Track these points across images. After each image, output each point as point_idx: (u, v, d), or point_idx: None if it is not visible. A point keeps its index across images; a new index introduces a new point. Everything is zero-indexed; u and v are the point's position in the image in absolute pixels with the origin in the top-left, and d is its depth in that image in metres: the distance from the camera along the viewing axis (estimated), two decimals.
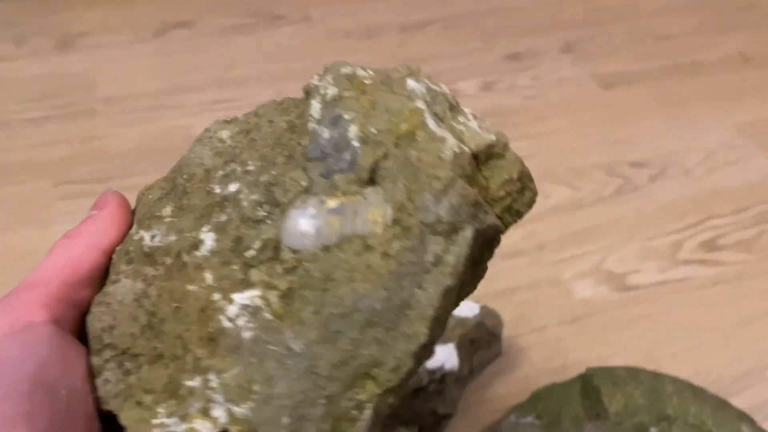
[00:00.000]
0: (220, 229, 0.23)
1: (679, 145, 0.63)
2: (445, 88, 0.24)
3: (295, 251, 0.22)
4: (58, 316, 0.22)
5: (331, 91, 0.23)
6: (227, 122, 0.25)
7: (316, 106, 0.23)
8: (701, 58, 0.75)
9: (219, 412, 0.21)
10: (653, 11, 0.82)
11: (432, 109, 0.23)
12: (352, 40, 0.77)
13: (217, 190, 0.23)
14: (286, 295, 0.21)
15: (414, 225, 0.21)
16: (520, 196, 0.23)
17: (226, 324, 0.22)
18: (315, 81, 0.24)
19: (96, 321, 0.23)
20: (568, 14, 0.82)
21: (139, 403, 0.22)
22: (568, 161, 0.61)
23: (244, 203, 0.23)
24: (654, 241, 0.53)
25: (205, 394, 0.21)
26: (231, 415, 0.21)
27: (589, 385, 0.40)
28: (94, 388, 0.23)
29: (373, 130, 0.22)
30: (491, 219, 0.22)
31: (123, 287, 0.23)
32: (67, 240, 0.24)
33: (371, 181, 0.22)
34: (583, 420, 0.38)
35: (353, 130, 0.22)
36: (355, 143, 0.22)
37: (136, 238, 0.24)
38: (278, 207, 0.22)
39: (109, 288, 0.24)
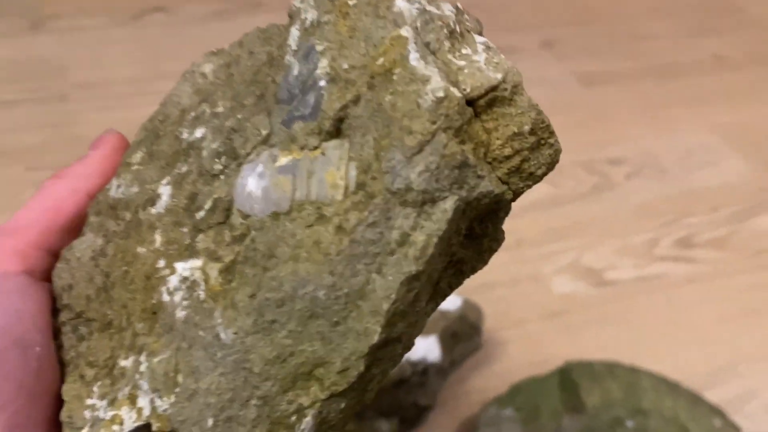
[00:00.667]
0: (177, 183, 0.20)
1: (656, 144, 0.64)
2: (447, 10, 0.19)
3: (245, 216, 0.18)
4: (34, 265, 0.21)
5: (311, 15, 0.19)
6: (213, 54, 0.21)
7: (294, 34, 0.19)
8: (679, 60, 0.76)
9: (144, 402, 0.19)
10: (633, 12, 0.83)
11: (422, 37, 0.18)
12: None
13: (185, 135, 0.20)
14: (228, 270, 0.18)
15: (378, 192, 0.17)
16: (534, 153, 0.18)
17: (165, 298, 0.19)
18: (297, 2, 0.19)
19: (57, 278, 0.21)
20: (550, 11, 0.82)
21: (82, 377, 0.20)
22: None
23: (204, 153, 0.20)
24: (631, 238, 0.54)
25: (134, 378, 0.19)
26: (153, 408, 0.18)
27: (568, 379, 0.40)
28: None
29: (344, 65, 0.18)
30: (486, 185, 0.17)
31: (84, 242, 0.21)
32: (54, 180, 0.22)
33: (337, 132, 0.18)
34: (561, 413, 0.39)
35: (323, 66, 0.18)
36: (322, 82, 0.18)
37: (107, 186, 0.22)
38: (236, 160, 0.19)
39: (75, 241, 0.21)
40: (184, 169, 0.20)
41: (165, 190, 0.20)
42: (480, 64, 0.18)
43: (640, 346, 0.46)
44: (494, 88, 0.18)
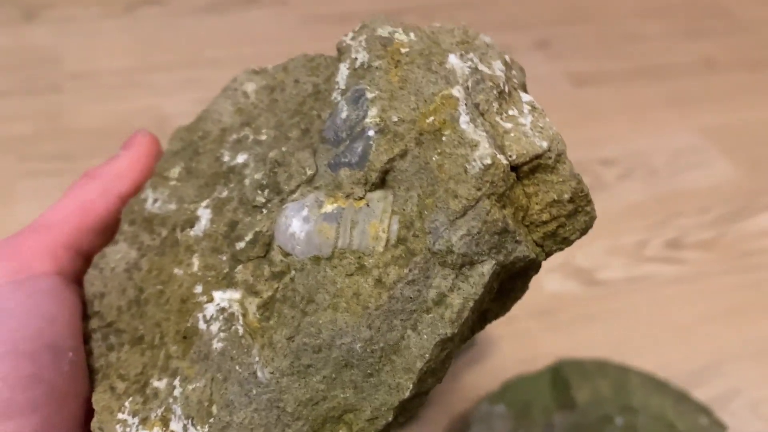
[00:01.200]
0: (217, 208, 0.20)
1: (647, 145, 0.65)
2: (498, 69, 0.19)
3: (285, 254, 0.18)
4: (65, 266, 0.20)
5: (362, 57, 0.19)
6: (256, 73, 0.22)
7: (343, 72, 0.19)
8: (669, 62, 0.77)
9: (177, 427, 0.19)
10: (625, 13, 0.84)
11: (472, 98, 0.18)
12: (327, 26, 0.76)
13: (226, 158, 0.20)
14: (266, 306, 0.18)
15: (419, 250, 0.17)
16: (570, 220, 0.19)
17: (201, 325, 0.19)
18: (348, 39, 0.20)
19: (89, 284, 0.21)
20: (542, 11, 0.83)
21: (112, 389, 0.20)
22: None
23: (247, 181, 0.20)
24: (621, 239, 0.55)
25: (167, 401, 0.19)
26: None
27: (559, 377, 0.41)
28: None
29: (394, 118, 0.18)
30: (523, 250, 0.18)
31: (118, 252, 0.21)
32: (85, 180, 0.22)
33: (381, 183, 0.18)
34: (551, 410, 0.39)
35: (372, 115, 0.18)
36: (371, 132, 0.18)
37: (143, 196, 0.22)
38: (279, 195, 0.19)
39: (108, 249, 0.21)
40: (225, 194, 0.20)
41: (204, 214, 0.20)
42: (526, 128, 0.18)
43: (628, 344, 0.47)
44: (539, 156, 0.18)
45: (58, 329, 0.19)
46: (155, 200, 0.21)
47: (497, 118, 0.18)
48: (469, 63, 0.19)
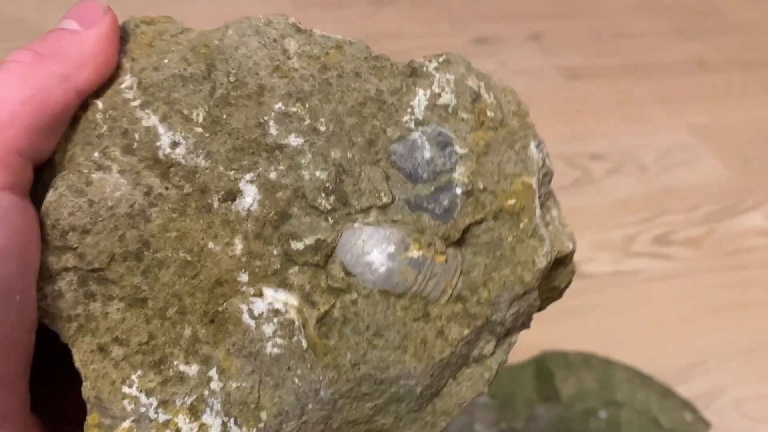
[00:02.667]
0: (266, 189, 0.18)
1: (637, 141, 0.65)
2: (550, 165, 0.20)
3: (348, 273, 0.18)
4: (18, 177, 0.16)
5: (447, 98, 0.19)
6: (298, 30, 0.19)
7: (421, 100, 0.19)
8: (661, 60, 0.77)
9: (212, 421, 0.18)
10: (618, 9, 0.84)
11: (539, 190, 0.19)
12: (320, 10, 0.75)
13: (273, 131, 0.19)
14: (324, 321, 0.18)
15: (480, 317, 0.19)
16: (550, 300, 0.22)
17: (247, 320, 0.18)
18: (430, 66, 0.20)
19: (66, 211, 0.17)
20: (535, 4, 0.82)
21: (103, 349, 0.18)
22: None
23: (305, 174, 0.19)
24: (609, 233, 0.54)
25: (200, 391, 0.18)
26: None
27: (543, 368, 0.40)
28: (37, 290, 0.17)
29: (480, 185, 0.19)
30: (529, 324, 0.21)
31: (115, 187, 0.18)
32: (33, 57, 0.16)
33: (457, 243, 0.19)
34: (535, 402, 0.39)
35: (460, 172, 0.19)
36: (458, 191, 0.19)
37: (141, 117, 0.18)
38: (346, 207, 0.19)
39: (93, 174, 0.18)
40: (273, 175, 0.19)
41: (250, 190, 0.19)
42: (557, 224, 0.20)
43: (614, 339, 0.46)
44: (566, 255, 0.20)
45: (7, 267, 0.15)
46: (175, 143, 0.18)
47: (547, 215, 0.20)
48: (542, 155, 0.20)
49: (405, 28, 0.74)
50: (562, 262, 0.20)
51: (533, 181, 0.19)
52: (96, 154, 0.18)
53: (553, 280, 0.21)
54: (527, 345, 0.45)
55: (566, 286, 0.21)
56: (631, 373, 0.41)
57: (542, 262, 0.19)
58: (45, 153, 0.17)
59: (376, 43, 0.69)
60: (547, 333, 0.46)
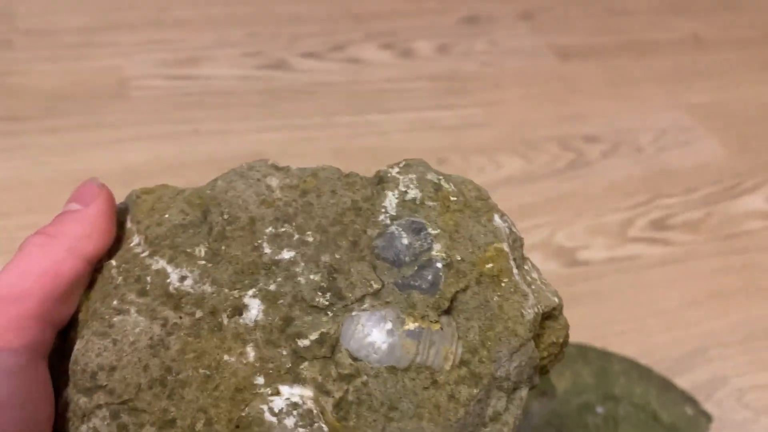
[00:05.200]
0: (269, 300, 0.21)
1: (632, 122, 0.62)
2: (518, 233, 0.23)
3: (355, 359, 0.20)
4: (34, 340, 0.18)
5: (413, 193, 0.22)
6: (277, 169, 0.23)
7: (391, 199, 0.22)
8: (656, 38, 0.74)
9: None
10: None
11: (512, 254, 0.22)
12: None
13: (267, 251, 0.21)
14: (340, 406, 0.20)
15: (485, 375, 0.20)
16: (555, 359, 0.23)
17: (269, 418, 0.19)
18: (393, 172, 0.23)
19: (93, 354, 0.20)
20: None
21: None
22: (522, 132, 0.59)
23: (301, 280, 0.21)
24: (604, 218, 0.52)
25: None
26: None
27: None
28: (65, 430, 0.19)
29: (457, 257, 0.21)
30: (537, 378, 0.22)
31: (134, 325, 0.20)
32: (45, 239, 0.19)
33: (447, 311, 0.21)
34: (530, 397, 0.37)
35: (438, 249, 0.21)
36: (439, 264, 0.21)
37: (151, 263, 0.21)
38: (342, 300, 0.21)
39: (114, 318, 0.20)
40: (273, 287, 0.21)
41: (254, 304, 0.21)
42: (539, 284, 0.22)
43: (610, 328, 0.44)
44: (553, 309, 0.22)
45: (7, 416, 0.17)
46: (183, 277, 0.21)
47: (525, 275, 0.22)
48: (508, 224, 0.22)
49: (393, 8, 0.71)
50: (551, 316, 0.22)
51: (504, 246, 0.22)
52: (115, 302, 0.21)
53: (549, 335, 0.22)
54: None
55: (565, 342, 0.22)
56: (629, 366, 0.39)
57: (530, 314, 0.21)
58: (64, 316, 0.20)
59: (362, 24, 0.67)
60: None
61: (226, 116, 0.57)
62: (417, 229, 0.22)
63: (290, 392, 0.20)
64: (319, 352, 0.20)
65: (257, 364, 0.20)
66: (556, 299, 0.22)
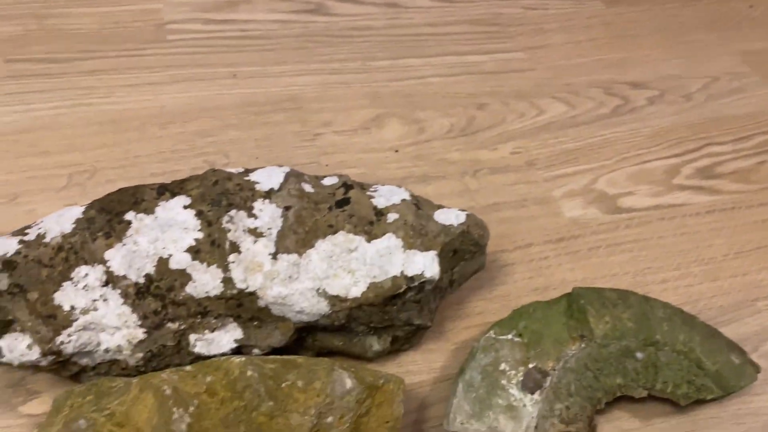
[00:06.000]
0: None
1: (681, 69, 0.60)
2: None
3: None
4: None
5: None
6: None
7: None
8: None
9: None
10: None
11: None
12: None
13: None
14: None
15: None
16: None
17: None
18: None
19: None
20: None
21: None
22: (565, 77, 0.57)
23: None
24: (649, 165, 0.50)
25: None
26: None
27: (576, 305, 0.37)
28: None
29: None
30: None
31: None
32: None
33: None
34: (566, 341, 0.36)
35: None
36: None
37: None
38: None
39: None
40: None
41: None
42: None
43: (651, 277, 0.43)
44: None
45: None
46: None
47: None
48: None
49: None
50: None
51: None
52: None
53: None
54: (559, 281, 0.42)
55: None
56: (672, 312, 0.38)
57: None
58: None
59: None
60: (580, 269, 0.43)
61: (263, 60, 0.56)
62: None
63: None
64: None
65: None
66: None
